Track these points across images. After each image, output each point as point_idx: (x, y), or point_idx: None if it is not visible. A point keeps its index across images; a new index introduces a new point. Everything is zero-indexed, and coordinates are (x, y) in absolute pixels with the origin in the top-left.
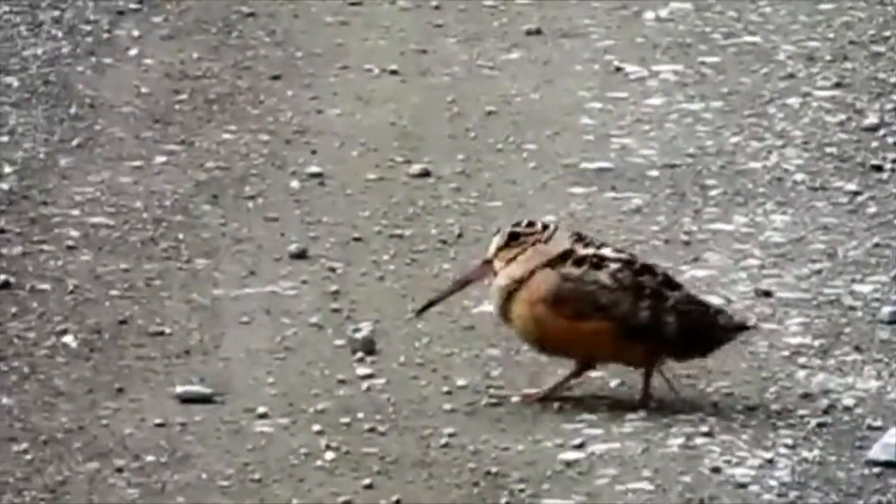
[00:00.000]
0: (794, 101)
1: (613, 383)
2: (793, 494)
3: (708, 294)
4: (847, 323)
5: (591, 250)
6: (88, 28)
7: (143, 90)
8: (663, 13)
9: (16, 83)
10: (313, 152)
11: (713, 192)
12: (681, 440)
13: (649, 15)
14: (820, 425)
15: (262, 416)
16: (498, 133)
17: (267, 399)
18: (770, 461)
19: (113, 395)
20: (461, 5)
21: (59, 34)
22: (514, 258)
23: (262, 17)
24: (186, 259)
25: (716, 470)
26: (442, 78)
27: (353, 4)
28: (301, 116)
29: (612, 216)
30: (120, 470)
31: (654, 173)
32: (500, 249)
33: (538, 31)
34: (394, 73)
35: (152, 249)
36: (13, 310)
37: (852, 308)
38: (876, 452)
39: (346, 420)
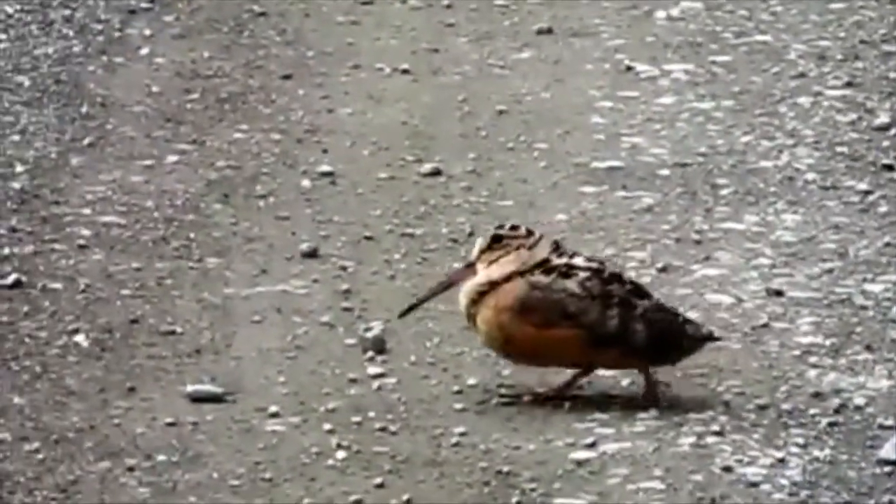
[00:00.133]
0: (805, 100)
1: (625, 382)
2: (804, 493)
3: (719, 293)
4: (858, 322)
5: (563, 260)
6: (100, 27)
7: (155, 89)
8: (674, 12)
9: (27, 82)
10: (324, 151)
11: (724, 192)
12: (692, 439)
13: (660, 14)
14: (831, 424)
15: (274, 415)
16: (509, 132)
17: (278, 398)
18: (781, 460)
19: (124, 395)
20: (472, 5)
21: (71, 33)
22: (495, 261)
23: (274, 16)
24: (198, 258)
25: (727, 469)
26: (453, 77)
27: (364, 4)
28: (312, 115)
29: (622, 215)
30: (131, 469)
31: (665, 172)
32: (482, 252)
33: (549, 31)
34: (405, 72)
35: (163, 248)
36: (25, 309)
37: (863, 307)
38: (887, 451)
39: (357, 419)
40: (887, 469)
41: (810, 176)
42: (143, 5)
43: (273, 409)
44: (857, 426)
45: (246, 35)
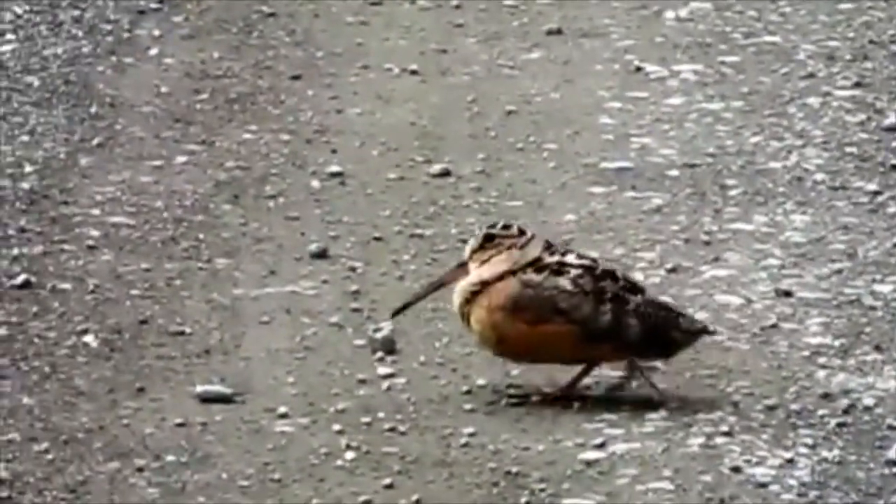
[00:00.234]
0: (814, 100)
1: (634, 383)
2: (813, 494)
3: (728, 294)
4: (867, 323)
5: (555, 258)
6: (109, 27)
7: (164, 90)
8: (683, 13)
9: (36, 83)
10: (333, 152)
11: (733, 192)
12: (701, 440)
13: (669, 14)
14: (840, 425)
15: (283, 415)
16: (518, 133)
17: (287, 399)
18: (790, 461)
19: (133, 395)
20: (481, 5)
21: (80, 34)
22: (487, 260)
23: (283, 16)
24: (207, 259)
25: (736, 469)
26: (462, 77)
27: (373, 4)
28: (321, 116)
29: (631, 216)
30: (140, 470)
31: (674, 173)
32: (474, 252)
33: (558, 31)
34: (414, 72)
35: (173, 249)
36: (34, 309)
37: (872, 308)
38: None
39: (366, 420)
40: None
41: (819, 176)
42: (153, 6)
43: (282, 409)
44: (866, 427)
45: (255, 35)
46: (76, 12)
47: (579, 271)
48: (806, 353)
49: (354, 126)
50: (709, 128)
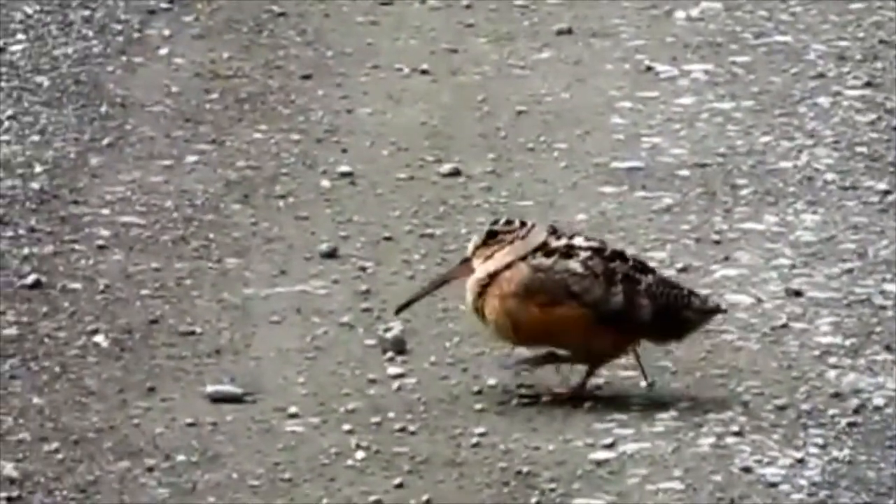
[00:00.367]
0: (824, 100)
1: (644, 383)
2: (823, 494)
3: (739, 293)
4: (878, 322)
5: (563, 241)
6: (119, 27)
7: (174, 89)
8: (694, 12)
9: (47, 82)
10: (344, 151)
11: (744, 192)
12: (711, 440)
13: (680, 14)
14: (850, 425)
15: (293, 415)
16: (528, 132)
17: (297, 398)
18: (800, 461)
19: (144, 395)
20: (492, 5)
21: (90, 33)
22: (491, 256)
23: (293, 16)
24: (217, 258)
25: (746, 469)
26: (472, 77)
27: (383, 4)
28: (332, 116)
29: (642, 215)
30: (151, 469)
31: (685, 173)
32: (477, 248)
33: (569, 31)
34: (424, 72)
35: (183, 249)
36: (44, 309)
37: (883, 307)
38: None
39: (376, 419)
40: None
41: (830, 176)
42: (163, 5)
43: (292, 409)
44: (877, 426)
45: (265, 35)
46: (86, 12)
47: (588, 253)
48: (816, 352)
49: (365, 126)
50: (719, 127)
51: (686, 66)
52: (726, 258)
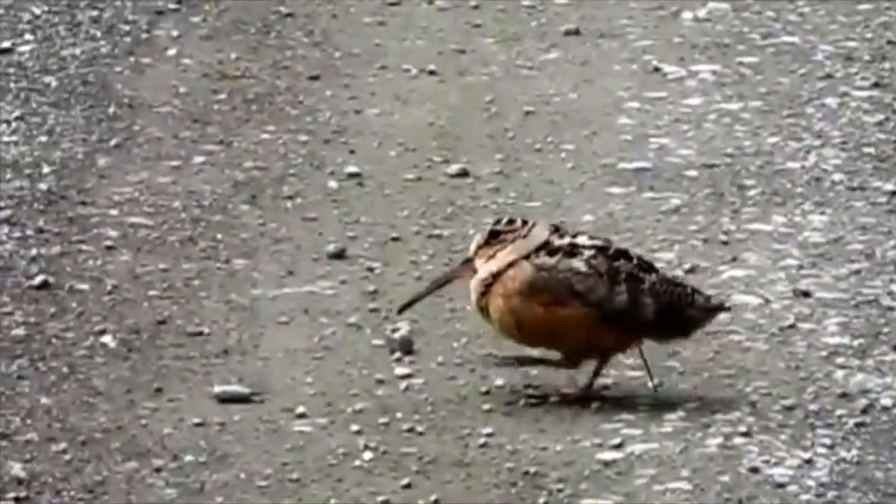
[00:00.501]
0: (832, 101)
1: (651, 384)
2: (831, 494)
3: (746, 294)
4: (885, 323)
5: (566, 240)
6: (127, 28)
7: (182, 90)
8: (701, 13)
9: (54, 83)
10: (351, 152)
11: (751, 192)
12: (719, 440)
13: (687, 15)
14: (858, 425)
15: (301, 415)
16: (536, 133)
17: (305, 399)
18: (808, 461)
19: (151, 395)
20: (499, 5)
21: (98, 34)
22: (493, 256)
23: (301, 17)
24: (225, 259)
25: (754, 470)
26: (480, 78)
27: (391, 5)
28: (339, 116)
29: (650, 216)
30: (158, 470)
31: (693, 173)
32: (479, 248)
33: (576, 32)
34: (432, 73)
35: (191, 249)
36: (52, 310)
37: (891, 308)
38: None
39: (384, 420)
40: None
41: (837, 177)
42: (171, 6)
43: (300, 409)
44: (885, 427)
45: (273, 36)
46: (94, 13)
47: (592, 252)
48: (824, 353)
49: (372, 126)
50: (727, 128)
51: (694, 67)
52: (734, 259)
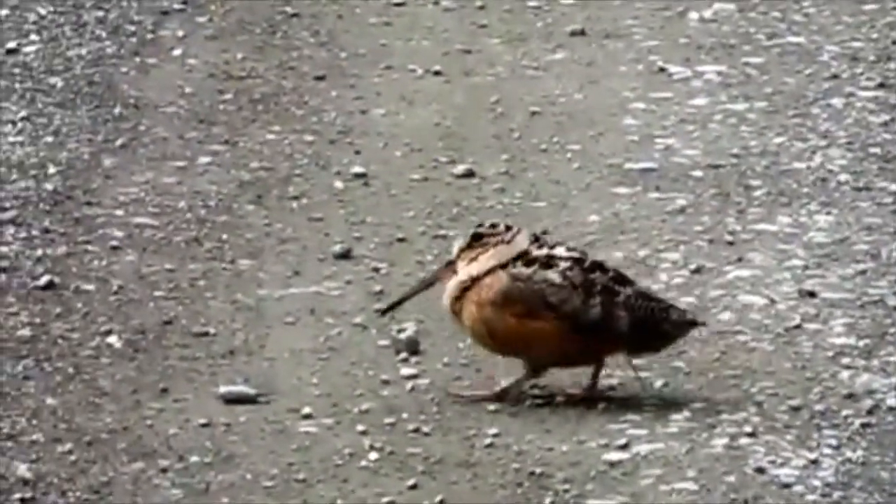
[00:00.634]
0: (837, 101)
1: (658, 384)
2: (837, 495)
3: (752, 294)
4: (891, 323)
5: (544, 251)
6: (133, 28)
7: (188, 90)
8: (707, 14)
9: (60, 83)
10: (357, 153)
11: (757, 193)
12: (725, 440)
13: (693, 15)
14: (864, 426)
15: (307, 416)
16: (542, 133)
17: (311, 399)
18: (814, 461)
19: (157, 396)
20: (505, 6)
21: (104, 34)
22: (475, 258)
23: (306, 17)
24: (231, 259)
25: (760, 470)
26: (486, 78)
27: (396, 5)
28: (345, 117)
29: (656, 216)
30: (164, 470)
31: (699, 174)
32: (462, 250)
33: (582, 32)
34: (437, 73)
35: (196, 250)
36: (58, 310)
37: None
38: None
39: (390, 420)
40: None
41: (843, 177)
42: (176, 6)
43: (306, 410)
44: (891, 427)
45: (279, 36)
46: (100, 13)
47: (568, 264)
48: (830, 353)
49: (378, 127)
50: (733, 128)
51: (699, 68)
52: (740, 259)
